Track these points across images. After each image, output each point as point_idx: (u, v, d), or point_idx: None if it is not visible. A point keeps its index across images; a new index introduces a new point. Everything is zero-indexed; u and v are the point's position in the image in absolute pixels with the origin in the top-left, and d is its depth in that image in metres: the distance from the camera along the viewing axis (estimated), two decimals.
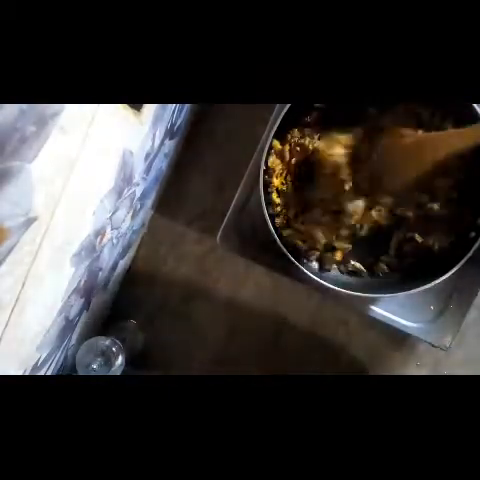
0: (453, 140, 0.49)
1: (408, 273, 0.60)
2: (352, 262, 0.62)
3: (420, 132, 0.54)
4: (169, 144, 0.63)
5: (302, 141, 0.58)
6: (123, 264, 0.69)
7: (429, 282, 0.53)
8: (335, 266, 0.62)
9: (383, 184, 0.54)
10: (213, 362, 0.71)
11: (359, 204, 0.57)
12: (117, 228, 0.57)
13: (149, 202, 0.67)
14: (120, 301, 0.72)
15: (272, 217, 0.57)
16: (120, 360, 0.59)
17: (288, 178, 0.60)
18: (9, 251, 0.34)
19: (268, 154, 0.55)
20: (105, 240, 0.54)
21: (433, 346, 0.61)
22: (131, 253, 0.71)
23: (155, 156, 0.59)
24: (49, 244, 0.39)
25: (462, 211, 0.58)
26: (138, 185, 0.57)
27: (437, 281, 0.53)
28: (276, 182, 0.59)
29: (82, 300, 0.56)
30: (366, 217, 0.59)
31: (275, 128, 0.54)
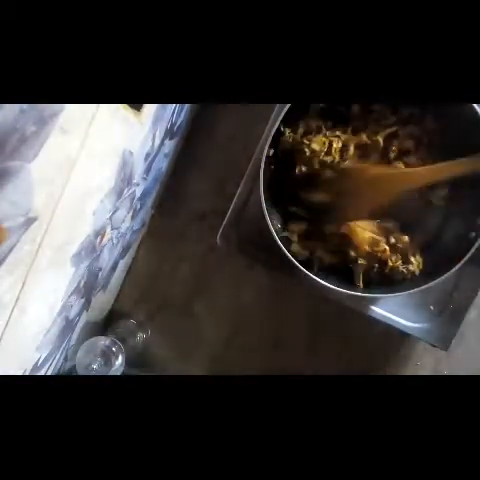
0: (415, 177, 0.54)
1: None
2: None
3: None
4: (169, 144, 0.63)
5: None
6: (123, 264, 0.69)
7: (429, 282, 0.53)
8: None
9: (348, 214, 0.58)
10: (213, 362, 0.71)
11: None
12: (117, 228, 0.57)
13: (149, 202, 0.67)
14: (120, 301, 0.72)
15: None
16: (120, 360, 0.59)
17: None
18: (9, 251, 0.34)
19: (268, 153, 0.55)
20: (105, 240, 0.54)
21: (433, 346, 0.61)
22: (131, 253, 0.71)
23: (155, 156, 0.59)
24: (49, 244, 0.39)
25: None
26: (138, 185, 0.57)
27: (437, 281, 0.53)
28: None
29: (82, 300, 0.56)
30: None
31: (275, 128, 0.54)
